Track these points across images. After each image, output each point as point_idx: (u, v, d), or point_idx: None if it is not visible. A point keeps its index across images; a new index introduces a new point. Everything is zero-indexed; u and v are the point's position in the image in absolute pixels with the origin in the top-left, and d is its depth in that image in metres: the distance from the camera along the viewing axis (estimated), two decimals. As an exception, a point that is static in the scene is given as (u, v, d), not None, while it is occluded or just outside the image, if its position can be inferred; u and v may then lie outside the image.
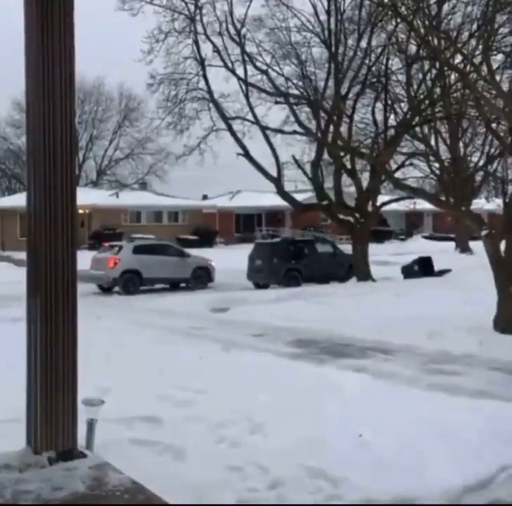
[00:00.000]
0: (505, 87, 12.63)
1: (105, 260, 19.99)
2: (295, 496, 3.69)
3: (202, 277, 21.20)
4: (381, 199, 23.96)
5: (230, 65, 23.06)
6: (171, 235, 35.13)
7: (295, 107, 22.85)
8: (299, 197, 27.36)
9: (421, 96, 18.49)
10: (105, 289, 20.24)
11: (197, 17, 22.75)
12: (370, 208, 22.76)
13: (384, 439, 4.54)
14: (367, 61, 20.91)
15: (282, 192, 23.50)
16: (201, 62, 23.17)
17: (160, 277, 20.41)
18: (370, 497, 3.66)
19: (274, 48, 23.36)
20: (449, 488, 3.80)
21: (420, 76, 18.34)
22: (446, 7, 15.31)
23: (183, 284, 21.02)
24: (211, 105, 23.51)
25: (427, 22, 12.29)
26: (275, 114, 24.20)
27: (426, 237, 43.33)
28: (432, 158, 15.07)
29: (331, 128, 20.99)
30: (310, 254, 22.07)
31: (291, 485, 3.81)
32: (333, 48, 21.80)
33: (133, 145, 54.86)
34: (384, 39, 19.25)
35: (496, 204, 16.29)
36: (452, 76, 14.46)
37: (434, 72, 15.85)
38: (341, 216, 23.17)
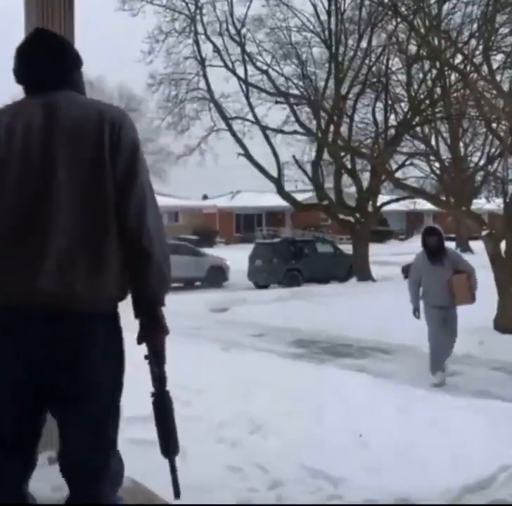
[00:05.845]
0: (505, 87, 12.63)
1: None
2: (295, 496, 3.68)
3: (217, 276, 21.41)
4: (381, 199, 23.96)
5: (230, 65, 23.09)
6: (171, 234, 35.11)
7: (295, 107, 22.85)
8: (299, 197, 27.36)
9: (422, 96, 18.50)
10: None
11: (198, 17, 22.77)
12: (370, 208, 22.76)
13: (384, 439, 4.54)
14: (367, 61, 20.92)
15: (282, 192, 23.50)
16: (201, 62, 23.18)
17: (174, 276, 20.49)
18: (370, 497, 3.66)
19: (274, 48, 23.39)
20: (449, 488, 3.80)
21: (421, 76, 18.36)
22: (446, 7, 15.34)
23: (198, 283, 21.13)
24: (211, 105, 23.53)
25: (427, 22, 12.30)
26: (275, 114, 24.28)
27: (426, 237, 43.20)
28: (432, 158, 15.08)
29: (331, 128, 20.99)
30: (310, 254, 22.07)
31: (291, 486, 3.80)
32: (334, 48, 21.81)
33: (134, 145, 54.86)
34: (384, 39, 19.27)
35: (496, 204, 16.29)
36: (452, 76, 14.47)
37: (434, 71, 15.86)
38: (341, 216, 23.17)
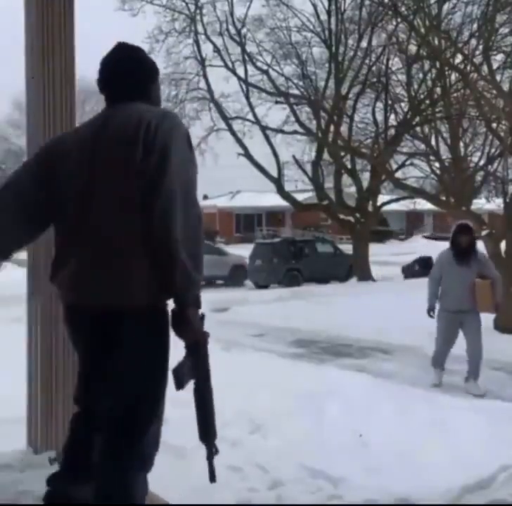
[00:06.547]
0: (505, 87, 12.63)
1: None
2: (295, 496, 3.68)
3: (239, 275, 21.61)
4: (381, 199, 23.96)
5: (230, 65, 23.07)
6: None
7: (295, 107, 22.84)
8: (299, 197, 27.34)
9: (422, 96, 18.49)
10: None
11: (198, 17, 22.75)
12: (370, 208, 22.76)
13: (384, 439, 4.54)
14: (367, 61, 20.92)
15: (282, 192, 23.50)
16: (201, 62, 23.16)
17: None
18: (370, 497, 3.66)
19: (274, 48, 23.36)
20: (449, 488, 3.80)
21: (421, 76, 18.34)
22: (446, 7, 15.32)
23: (220, 282, 21.30)
24: (211, 105, 23.51)
25: (427, 22, 12.30)
26: (275, 114, 24.26)
27: (426, 237, 43.27)
28: (432, 158, 15.07)
29: (331, 128, 20.99)
30: (310, 254, 22.08)
31: (291, 486, 3.80)
32: (334, 48, 21.81)
33: (134, 145, 54.86)
34: (384, 39, 19.26)
35: (496, 204, 16.29)
36: (452, 76, 14.46)
37: (434, 71, 15.85)
38: (341, 216, 23.17)
